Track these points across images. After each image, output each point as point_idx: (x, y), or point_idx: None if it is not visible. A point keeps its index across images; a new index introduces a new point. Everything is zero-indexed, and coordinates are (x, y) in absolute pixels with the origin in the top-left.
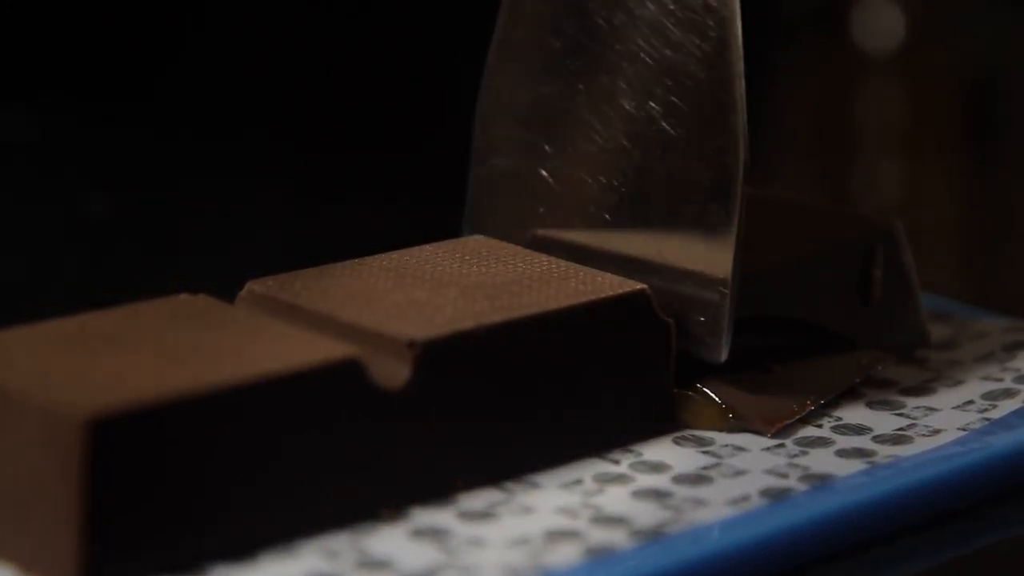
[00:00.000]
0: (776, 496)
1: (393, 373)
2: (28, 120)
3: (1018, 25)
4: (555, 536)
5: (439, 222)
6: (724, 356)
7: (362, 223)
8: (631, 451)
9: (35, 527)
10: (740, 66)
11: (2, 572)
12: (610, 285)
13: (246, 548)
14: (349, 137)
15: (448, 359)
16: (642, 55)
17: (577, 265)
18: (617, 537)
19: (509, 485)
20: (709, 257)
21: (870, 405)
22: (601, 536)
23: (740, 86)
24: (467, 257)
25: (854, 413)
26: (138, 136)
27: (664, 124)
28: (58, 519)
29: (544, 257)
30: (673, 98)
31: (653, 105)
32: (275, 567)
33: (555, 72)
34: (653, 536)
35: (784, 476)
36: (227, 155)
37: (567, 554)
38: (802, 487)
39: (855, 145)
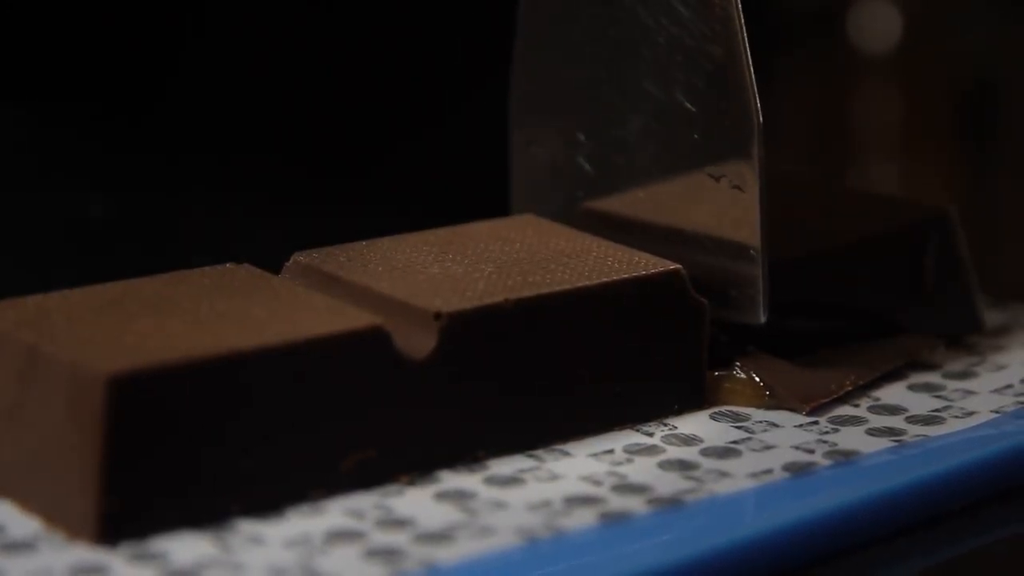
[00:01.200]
0: (799, 470)
1: (420, 343)
2: (24, 122)
3: (1016, 26)
4: (574, 501)
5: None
6: (763, 317)
7: (364, 226)
8: (666, 424)
9: (59, 482)
10: (744, 36)
11: (28, 524)
12: (645, 264)
13: (271, 506)
14: (351, 139)
15: (474, 331)
16: (657, 36)
17: (617, 244)
18: (635, 504)
19: (540, 454)
20: (738, 221)
21: (911, 388)
22: (619, 503)
23: (746, 56)
24: (511, 234)
25: (893, 394)
26: (136, 137)
27: (683, 100)
28: (80, 474)
29: (587, 236)
30: (688, 75)
31: (671, 83)
32: (300, 523)
33: (579, 59)
34: (670, 504)
35: (811, 451)
36: (227, 157)
37: (583, 518)
38: (826, 462)
39: (853, 146)
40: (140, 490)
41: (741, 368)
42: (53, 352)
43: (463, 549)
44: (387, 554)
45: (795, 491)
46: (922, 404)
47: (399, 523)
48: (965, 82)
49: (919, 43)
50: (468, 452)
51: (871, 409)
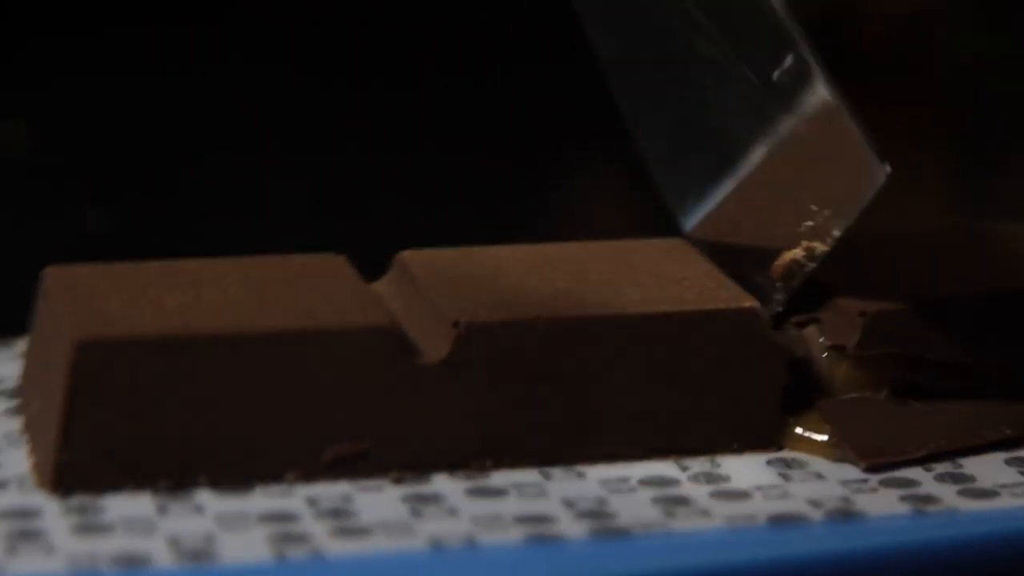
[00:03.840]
0: (781, 522)
1: (437, 348)
2: (24, 135)
3: (1016, 34)
4: (524, 519)
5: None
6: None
7: (367, 229)
8: (711, 462)
9: (43, 433)
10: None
11: (20, 467)
12: (719, 299)
13: (242, 482)
14: (354, 142)
15: (492, 342)
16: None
17: (720, 274)
18: (578, 529)
19: (555, 472)
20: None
21: (1009, 461)
22: (566, 527)
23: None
24: (629, 257)
25: (980, 465)
26: (137, 149)
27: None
28: (50, 427)
29: (705, 265)
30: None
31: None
32: (255, 502)
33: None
34: (614, 534)
35: (817, 506)
36: (228, 163)
37: (509, 535)
38: (819, 518)
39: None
40: (96, 448)
41: (820, 414)
42: (65, 315)
43: (363, 546)
44: (290, 539)
45: (748, 540)
46: (996, 478)
47: (338, 514)
48: (965, 92)
49: (918, 51)
50: (472, 459)
51: (938, 477)
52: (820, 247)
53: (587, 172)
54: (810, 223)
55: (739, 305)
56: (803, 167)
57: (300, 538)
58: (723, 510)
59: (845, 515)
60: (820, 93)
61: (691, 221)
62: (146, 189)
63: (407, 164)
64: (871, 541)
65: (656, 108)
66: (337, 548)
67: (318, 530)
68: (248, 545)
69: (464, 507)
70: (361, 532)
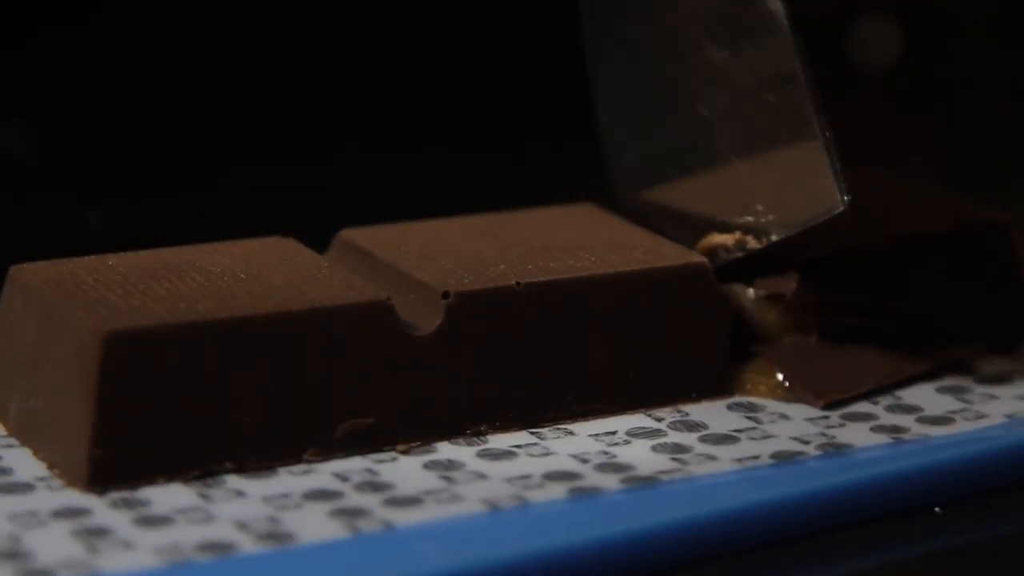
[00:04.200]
0: (784, 459)
1: (429, 320)
2: (25, 134)
3: (1016, 41)
4: (553, 477)
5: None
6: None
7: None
8: (680, 411)
9: (63, 431)
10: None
11: (36, 468)
12: (671, 256)
13: (265, 465)
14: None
15: (480, 311)
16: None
17: (660, 237)
18: (609, 482)
19: (544, 432)
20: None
21: (939, 390)
22: (595, 480)
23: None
24: (558, 222)
25: (917, 395)
26: (137, 149)
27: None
28: (78, 424)
29: (633, 227)
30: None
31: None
32: (286, 482)
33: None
34: (643, 483)
35: (806, 443)
36: (228, 163)
37: (552, 492)
38: (815, 453)
39: (848, 160)
40: (130, 442)
41: (766, 360)
42: (67, 309)
43: (426, 514)
44: (352, 514)
45: (769, 478)
46: (940, 406)
47: (377, 487)
48: (963, 99)
49: (917, 59)
50: (472, 426)
51: (888, 408)
52: (752, 243)
53: (587, 173)
54: (750, 219)
55: (690, 260)
56: (764, 170)
57: (356, 512)
58: (725, 454)
59: (837, 448)
60: (806, 114)
61: (631, 185)
62: (146, 189)
63: (406, 164)
64: (873, 471)
65: (630, 82)
66: (401, 519)
67: (370, 503)
68: (313, 523)
69: (487, 470)
70: (412, 502)
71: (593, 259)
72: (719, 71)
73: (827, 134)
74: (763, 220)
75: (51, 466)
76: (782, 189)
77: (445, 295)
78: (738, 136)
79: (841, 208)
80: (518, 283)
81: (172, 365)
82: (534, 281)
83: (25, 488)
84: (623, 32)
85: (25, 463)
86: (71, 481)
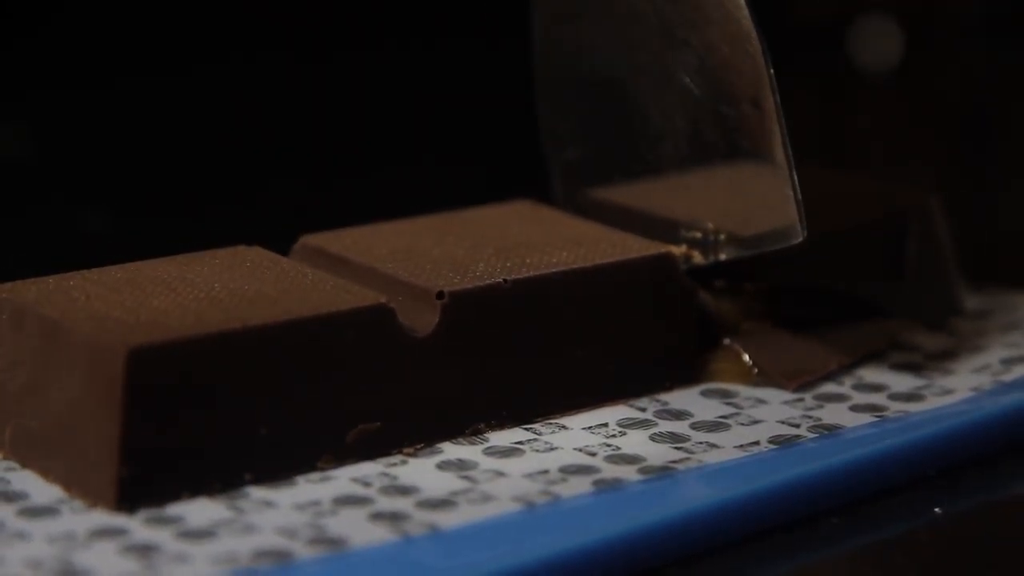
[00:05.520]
0: (784, 442)
1: (424, 321)
2: (26, 136)
3: (1016, 47)
4: (570, 470)
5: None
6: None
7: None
8: (658, 400)
9: (80, 451)
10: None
11: (50, 491)
12: (637, 248)
13: (282, 475)
14: (351, 145)
15: (474, 310)
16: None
17: (615, 230)
18: (627, 473)
19: (537, 427)
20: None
21: (893, 367)
22: (613, 472)
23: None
24: (509, 220)
25: (876, 374)
26: (136, 150)
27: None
28: (99, 443)
29: (584, 222)
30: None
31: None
32: (309, 489)
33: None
34: (661, 473)
35: (796, 425)
36: (228, 163)
37: (578, 486)
38: (810, 435)
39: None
40: (156, 459)
41: (731, 347)
42: (73, 327)
43: (465, 515)
44: (393, 517)
45: (780, 460)
46: (903, 383)
47: (403, 490)
48: (964, 102)
49: (918, 62)
50: (469, 425)
51: (855, 387)
52: (698, 259)
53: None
54: (698, 235)
55: (659, 251)
56: (717, 187)
57: (395, 516)
58: (723, 441)
59: (828, 429)
60: (770, 137)
61: (571, 183)
62: (146, 189)
63: (407, 164)
64: (872, 448)
65: (578, 79)
66: (444, 521)
67: (403, 506)
68: (358, 528)
69: (503, 468)
70: (446, 504)
71: (565, 254)
72: (677, 79)
73: (790, 161)
74: (712, 239)
75: (67, 487)
76: (736, 210)
77: (440, 295)
78: (693, 148)
79: (800, 239)
80: (506, 280)
81: (194, 378)
82: (521, 278)
83: (50, 512)
84: (575, 31)
85: (38, 487)
86: (95, 502)
